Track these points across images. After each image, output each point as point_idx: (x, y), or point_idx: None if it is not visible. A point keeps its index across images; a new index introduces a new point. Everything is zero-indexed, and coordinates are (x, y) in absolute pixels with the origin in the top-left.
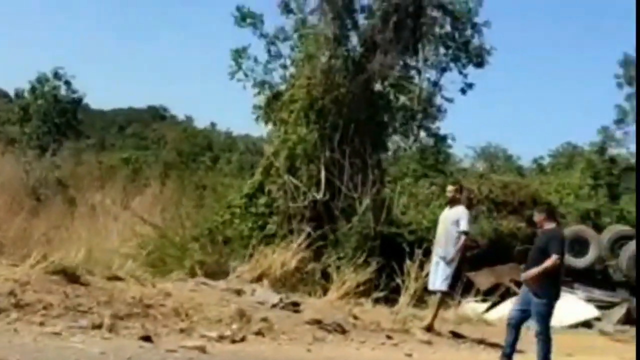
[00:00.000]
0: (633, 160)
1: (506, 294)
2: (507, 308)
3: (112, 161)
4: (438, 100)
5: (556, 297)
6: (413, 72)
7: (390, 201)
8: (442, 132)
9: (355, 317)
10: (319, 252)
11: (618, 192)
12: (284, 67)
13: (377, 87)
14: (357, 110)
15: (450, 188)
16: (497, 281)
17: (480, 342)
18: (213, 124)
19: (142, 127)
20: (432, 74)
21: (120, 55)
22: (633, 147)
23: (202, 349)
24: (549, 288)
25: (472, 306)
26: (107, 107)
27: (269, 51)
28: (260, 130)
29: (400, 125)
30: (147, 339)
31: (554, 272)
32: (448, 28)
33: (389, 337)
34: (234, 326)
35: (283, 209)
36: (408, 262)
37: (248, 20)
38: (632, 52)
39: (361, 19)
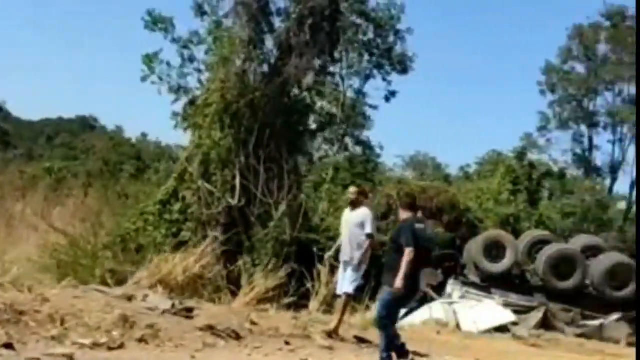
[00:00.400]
0: (553, 166)
1: (424, 300)
2: (424, 314)
3: (35, 171)
4: (364, 108)
5: (410, 290)
6: (337, 80)
7: (309, 207)
8: (371, 141)
9: (254, 323)
10: (233, 259)
11: (537, 198)
12: (199, 71)
13: (295, 91)
14: (273, 114)
15: (352, 190)
16: None
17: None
18: (144, 134)
19: (71, 137)
20: (356, 82)
21: (51, 64)
22: (555, 154)
23: (70, 357)
24: (395, 277)
25: None
26: (35, 117)
27: (181, 55)
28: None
29: (318, 130)
30: (9, 346)
31: (408, 265)
32: (371, 35)
33: (287, 343)
34: (115, 333)
35: (197, 215)
36: (320, 267)
37: (159, 25)
38: (554, 60)
39: (277, 22)
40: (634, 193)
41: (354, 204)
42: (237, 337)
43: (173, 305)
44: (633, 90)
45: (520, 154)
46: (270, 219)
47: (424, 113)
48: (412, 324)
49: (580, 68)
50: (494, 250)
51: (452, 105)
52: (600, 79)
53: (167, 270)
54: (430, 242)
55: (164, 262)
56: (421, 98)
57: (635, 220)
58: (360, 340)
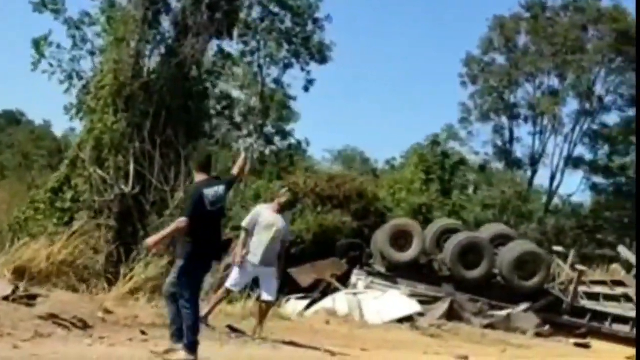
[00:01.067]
0: (475, 158)
1: (328, 290)
2: (327, 304)
3: None
4: (284, 99)
5: (194, 255)
6: (255, 69)
7: None
8: (296, 134)
9: (109, 312)
10: (126, 248)
11: (450, 187)
12: (92, 54)
13: (193, 73)
14: (170, 97)
15: (284, 192)
16: (318, 277)
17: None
18: (72, 129)
19: None
20: (274, 71)
21: None
22: (477, 146)
23: None
24: (184, 247)
25: (292, 304)
26: None
27: (73, 37)
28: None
29: (220, 114)
30: None
31: (186, 231)
32: (289, 24)
33: (143, 333)
34: None
35: (89, 203)
36: None
37: (50, 6)
38: (475, 51)
39: (174, 2)
40: (554, 185)
41: (284, 208)
42: (85, 326)
43: (13, 292)
44: (552, 82)
45: (433, 143)
46: (167, 207)
47: (352, 107)
48: (301, 314)
49: (500, 59)
50: (401, 239)
51: (381, 98)
52: (521, 70)
53: (29, 257)
54: (221, 203)
55: (26, 248)
56: (350, 92)
57: (554, 212)
58: (233, 330)
